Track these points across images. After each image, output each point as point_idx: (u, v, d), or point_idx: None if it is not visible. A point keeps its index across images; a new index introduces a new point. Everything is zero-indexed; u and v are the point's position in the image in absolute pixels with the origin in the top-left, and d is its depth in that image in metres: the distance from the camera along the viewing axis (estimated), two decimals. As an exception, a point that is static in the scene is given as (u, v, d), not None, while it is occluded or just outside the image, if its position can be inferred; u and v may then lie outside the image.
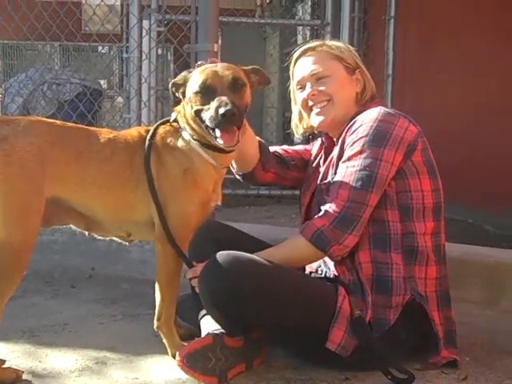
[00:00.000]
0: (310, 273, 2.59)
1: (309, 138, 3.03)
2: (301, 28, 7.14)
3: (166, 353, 2.45)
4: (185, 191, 2.37)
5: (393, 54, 5.47)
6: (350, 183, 2.33)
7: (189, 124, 2.40)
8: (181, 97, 2.42)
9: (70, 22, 4.77)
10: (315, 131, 2.70)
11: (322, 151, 2.67)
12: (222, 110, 2.22)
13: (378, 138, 2.34)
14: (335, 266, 2.45)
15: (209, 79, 2.31)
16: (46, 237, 3.81)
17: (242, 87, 2.34)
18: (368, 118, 2.39)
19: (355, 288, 2.37)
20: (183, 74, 2.44)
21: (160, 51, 5.13)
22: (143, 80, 4.52)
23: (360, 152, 2.35)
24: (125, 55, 5.25)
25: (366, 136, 2.35)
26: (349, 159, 2.37)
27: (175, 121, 2.46)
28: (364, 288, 2.36)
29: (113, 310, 3.05)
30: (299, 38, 8.41)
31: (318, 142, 2.76)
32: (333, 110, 2.52)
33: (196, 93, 2.32)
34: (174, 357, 2.37)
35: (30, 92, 6.23)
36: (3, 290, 2.17)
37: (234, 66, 2.40)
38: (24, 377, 2.27)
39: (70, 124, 2.42)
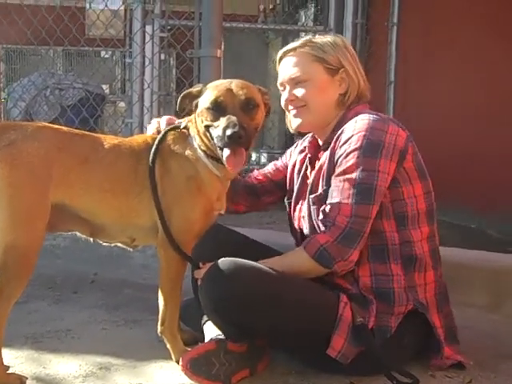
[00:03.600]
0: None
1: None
2: (304, 34, 7.14)
3: (170, 358, 2.44)
4: (188, 198, 2.37)
5: (395, 61, 5.47)
6: (351, 198, 2.29)
7: (199, 135, 2.40)
8: (193, 108, 2.42)
9: (73, 27, 4.79)
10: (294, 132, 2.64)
11: (307, 161, 2.62)
12: (228, 132, 2.22)
13: (373, 148, 2.30)
14: (336, 279, 2.41)
15: (221, 97, 2.31)
16: (49, 242, 3.82)
17: (255, 108, 2.34)
18: (358, 127, 2.34)
19: (357, 296, 2.36)
20: (199, 85, 2.44)
21: (163, 57, 5.13)
22: (146, 85, 4.53)
23: (356, 164, 2.30)
24: (128, 60, 5.26)
25: (360, 147, 2.30)
26: (344, 172, 2.32)
27: (185, 128, 2.46)
28: (367, 297, 2.35)
29: (115, 316, 3.04)
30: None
31: (297, 149, 2.72)
32: (309, 114, 2.49)
33: (207, 108, 2.32)
34: (177, 362, 2.36)
35: (32, 97, 6.25)
36: (10, 293, 2.18)
37: (251, 84, 2.40)
38: (28, 383, 2.26)
39: (75, 130, 2.43)
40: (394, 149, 2.32)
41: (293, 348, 2.40)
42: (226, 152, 2.27)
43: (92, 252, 3.78)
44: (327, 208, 2.34)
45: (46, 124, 2.45)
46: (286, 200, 2.73)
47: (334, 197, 2.33)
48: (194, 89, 2.44)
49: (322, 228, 2.34)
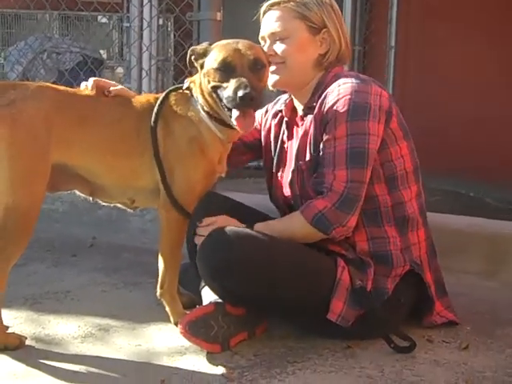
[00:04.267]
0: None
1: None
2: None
3: (169, 320, 2.46)
4: (191, 159, 2.36)
5: (396, 25, 5.41)
6: (345, 163, 2.27)
7: (203, 96, 2.38)
8: (198, 67, 2.38)
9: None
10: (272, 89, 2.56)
11: (284, 126, 2.59)
12: (240, 93, 2.19)
13: (360, 111, 2.27)
14: (330, 245, 2.40)
15: (229, 57, 2.28)
16: (47, 206, 3.82)
17: (262, 68, 2.32)
18: (343, 91, 2.30)
19: (354, 260, 2.37)
20: (204, 44, 2.41)
21: (161, 21, 5.07)
22: (144, 49, 4.47)
23: (346, 129, 2.27)
24: (125, 24, 5.20)
25: (348, 111, 2.27)
26: (335, 138, 2.29)
27: (188, 89, 2.43)
28: (365, 260, 2.36)
29: (114, 279, 3.06)
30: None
31: (270, 113, 2.68)
32: (286, 72, 2.44)
33: (215, 69, 2.29)
34: (176, 324, 2.38)
35: (29, 60, 6.18)
36: (10, 254, 2.18)
37: (256, 44, 2.37)
38: (27, 343, 2.28)
39: (77, 90, 2.41)
40: (380, 110, 2.30)
41: (290, 315, 2.40)
42: (236, 113, 2.25)
43: (90, 216, 3.79)
44: (322, 174, 2.32)
45: (47, 84, 2.42)
46: (263, 167, 2.70)
47: (328, 163, 2.31)
48: (199, 47, 2.40)
49: (319, 194, 2.32)
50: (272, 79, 2.47)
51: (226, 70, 2.27)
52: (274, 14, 2.46)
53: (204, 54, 2.36)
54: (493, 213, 3.89)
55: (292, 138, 2.55)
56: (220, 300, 2.31)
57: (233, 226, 2.28)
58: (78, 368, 2.13)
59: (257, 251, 2.23)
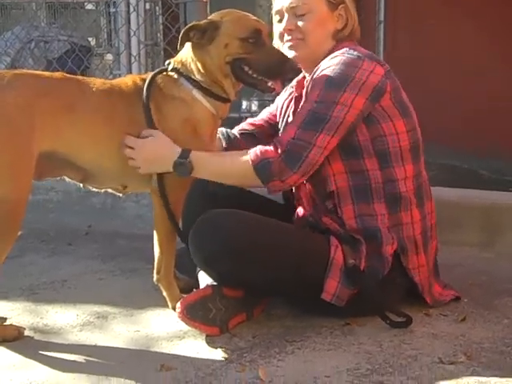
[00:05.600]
0: (300, 218, 2.55)
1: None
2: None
3: (167, 305, 2.46)
4: (185, 141, 2.33)
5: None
6: (300, 122, 2.28)
7: (205, 70, 2.34)
8: (204, 42, 2.31)
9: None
10: None
11: (293, 102, 2.59)
12: (288, 66, 2.33)
13: (338, 81, 2.27)
14: (323, 217, 2.41)
15: (258, 27, 2.31)
16: (41, 196, 3.81)
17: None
18: (332, 62, 2.32)
19: (347, 237, 2.36)
20: (212, 17, 2.37)
21: (148, 5, 5.01)
22: (132, 33, 4.44)
23: (317, 95, 2.28)
24: (112, 9, 5.14)
25: (326, 79, 2.28)
26: (305, 100, 2.33)
27: (174, 70, 2.39)
28: (356, 238, 2.35)
29: (111, 266, 3.06)
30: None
31: (286, 92, 2.68)
32: (305, 47, 2.44)
33: (243, 39, 2.28)
34: (174, 309, 2.38)
35: (17, 50, 6.13)
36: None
37: None
38: (26, 333, 2.28)
39: (58, 74, 2.33)
40: (365, 84, 2.27)
41: (286, 296, 2.42)
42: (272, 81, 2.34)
43: (85, 205, 3.78)
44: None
45: (25, 71, 2.37)
46: None
47: (290, 120, 2.36)
48: (201, 22, 2.34)
49: (270, 145, 2.30)
50: (290, 54, 2.45)
51: (257, 40, 2.30)
52: None
53: (214, 27, 2.30)
54: (487, 184, 3.89)
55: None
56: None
57: (166, 144, 2.29)
58: (77, 357, 2.14)
59: (249, 233, 2.24)
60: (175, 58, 2.41)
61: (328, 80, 2.28)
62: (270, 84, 2.34)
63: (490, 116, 4.75)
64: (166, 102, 2.35)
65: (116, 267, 3.04)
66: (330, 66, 2.31)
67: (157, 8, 7.30)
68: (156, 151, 2.30)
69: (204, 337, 2.25)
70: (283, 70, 2.32)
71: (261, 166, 2.25)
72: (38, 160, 2.20)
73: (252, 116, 6.05)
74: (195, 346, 2.20)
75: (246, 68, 2.31)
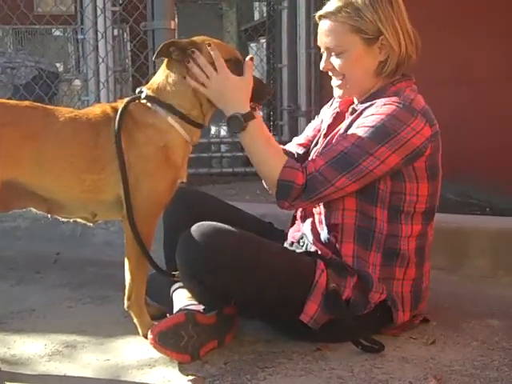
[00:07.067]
0: (292, 243, 2.57)
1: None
2: (257, 4, 7.10)
3: (137, 333, 2.43)
4: (158, 169, 2.32)
5: None
6: (329, 157, 2.28)
7: (176, 95, 2.33)
8: (183, 59, 2.30)
9: (21, 3, 4.67)
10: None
11: (332, 116, 2.58)
12: (267, 91, 2.47)
13: (381, 134, 2.23)
14: (315, 242, 2.43)
15: (238, 54, 2.40)
16: (8, 224, 3.77)
17: None
18: (382, 110, 2.27)
19: (335, 262, 2.36)
20: (192, 39, 2.36)
21: (116, 32, 5.04)
22: (100, 60, 4.45)
23: (357, 137, 2.25)
24: (80, 36, 5.16)
25: (372, 127, 2.25)
26: (344, 137, 2.30)
27: (147, 97, 2.35)
28: (349, 268, 2.35)
29: (80, 294, 3.02)
30: (256, 15, 8.36)
31: (332, 106, 2.65)
32: (348, 85, 2.42)
33: (226, 61, 2.32)
34: (145, 336, 2.36)
35: (-16, 77, 6.09)
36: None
37: None
38: (-7, 364, 2.24)
39: (24, 103, 2.30)
40: (406, 144, 2.24)
41: (265, 314, 2.41)
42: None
43: (54, 232, 3.74)
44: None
45: None
46: None
47: (324, 148, 2.37)
48: (182, 40, 2.34)
49: (301, 168, 2.31)
50: (336, 92, 2.48)
51: (238, 64, 2.35)
52: (326, 24, 2.38)
53: (196, 47, 2.30)
54: (454, 207, 3.94)
55: (333, 129, 2.50)
56: (191, 307, 2.32)
57: (244, 94, 2.33)
58: (47, 387, 2.11)
59: (237, 247, 2.24)
60: (148, 85, 2.39)
61: (373, 128, 2.25)
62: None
63: (461, 139, 4.79)
64: (139, 129, 2.32)
65: (85, 295, 3.00)
66: (381, 113, 2.27)
67: (125, 34, 7.35)
68: (235, 91, 2.31)
69: (175, 364, 2.23)
70: (262, 95, 2.41)
71: (284, 185, 2.29)
72: (0, 190, 2.15)
73: (222, 142, 6.07)
74: (166, 374, 2.18)
75: None
